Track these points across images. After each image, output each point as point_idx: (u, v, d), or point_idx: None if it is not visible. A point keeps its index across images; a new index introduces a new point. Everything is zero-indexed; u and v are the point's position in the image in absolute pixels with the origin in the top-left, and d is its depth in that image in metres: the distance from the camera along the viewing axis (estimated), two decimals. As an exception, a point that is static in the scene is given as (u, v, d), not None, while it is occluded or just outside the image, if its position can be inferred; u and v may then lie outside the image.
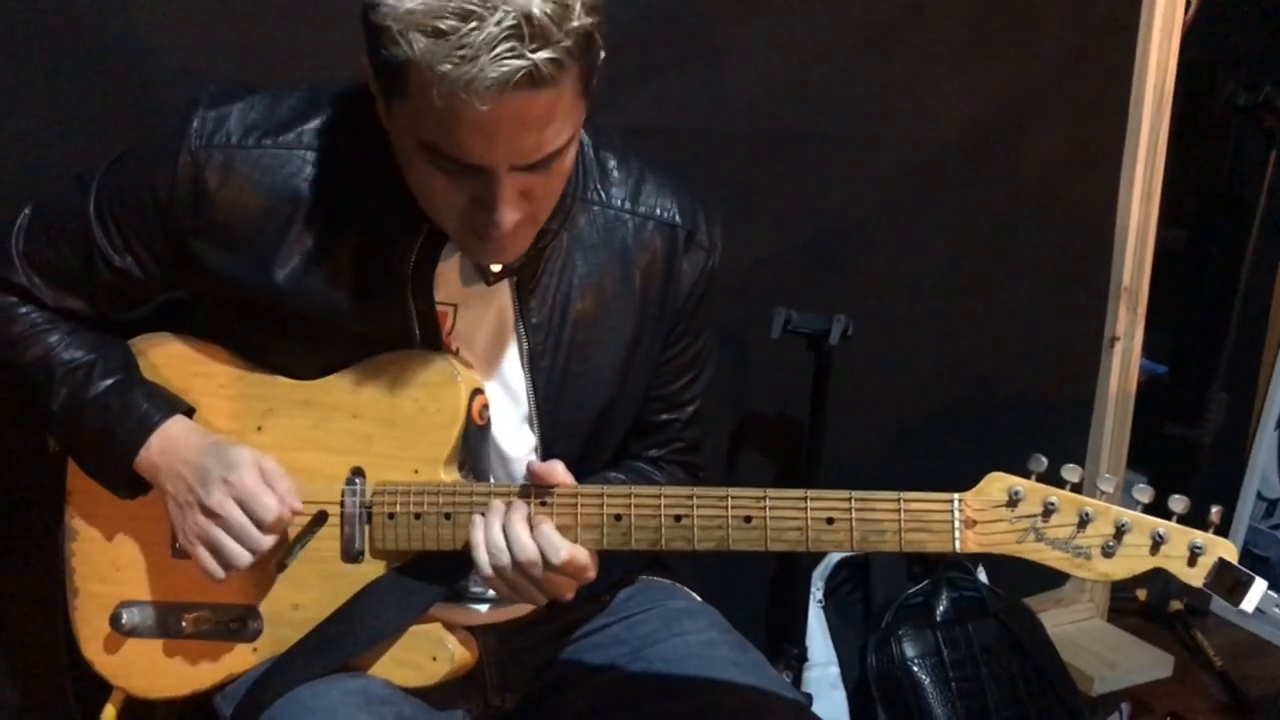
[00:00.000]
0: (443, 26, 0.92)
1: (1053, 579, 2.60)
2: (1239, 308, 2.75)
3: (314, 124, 1.19)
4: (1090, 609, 2.66)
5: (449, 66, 0.93)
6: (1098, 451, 2.56)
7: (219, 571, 1.18)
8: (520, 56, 0.93)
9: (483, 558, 1.13)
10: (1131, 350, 2.52)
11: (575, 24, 0.95)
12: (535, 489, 1.14)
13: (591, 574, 1.16)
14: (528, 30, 0.93)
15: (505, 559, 1.12)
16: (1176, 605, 2.75)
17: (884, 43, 2.06)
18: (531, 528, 1.12)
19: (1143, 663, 2.51)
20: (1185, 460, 2.74)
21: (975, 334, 2.35)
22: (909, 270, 2.23)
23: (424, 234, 1.17)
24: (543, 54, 0.94)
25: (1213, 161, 3.06)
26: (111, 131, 1.45)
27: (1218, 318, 2.86)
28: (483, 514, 1.14)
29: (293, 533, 1.21)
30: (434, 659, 1.20)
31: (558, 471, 1.14)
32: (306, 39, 1.56)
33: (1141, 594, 2.79)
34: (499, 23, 0.92)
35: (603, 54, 1.03)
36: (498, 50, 0.93)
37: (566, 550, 1.11)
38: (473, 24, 0.92)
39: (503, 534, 1.12)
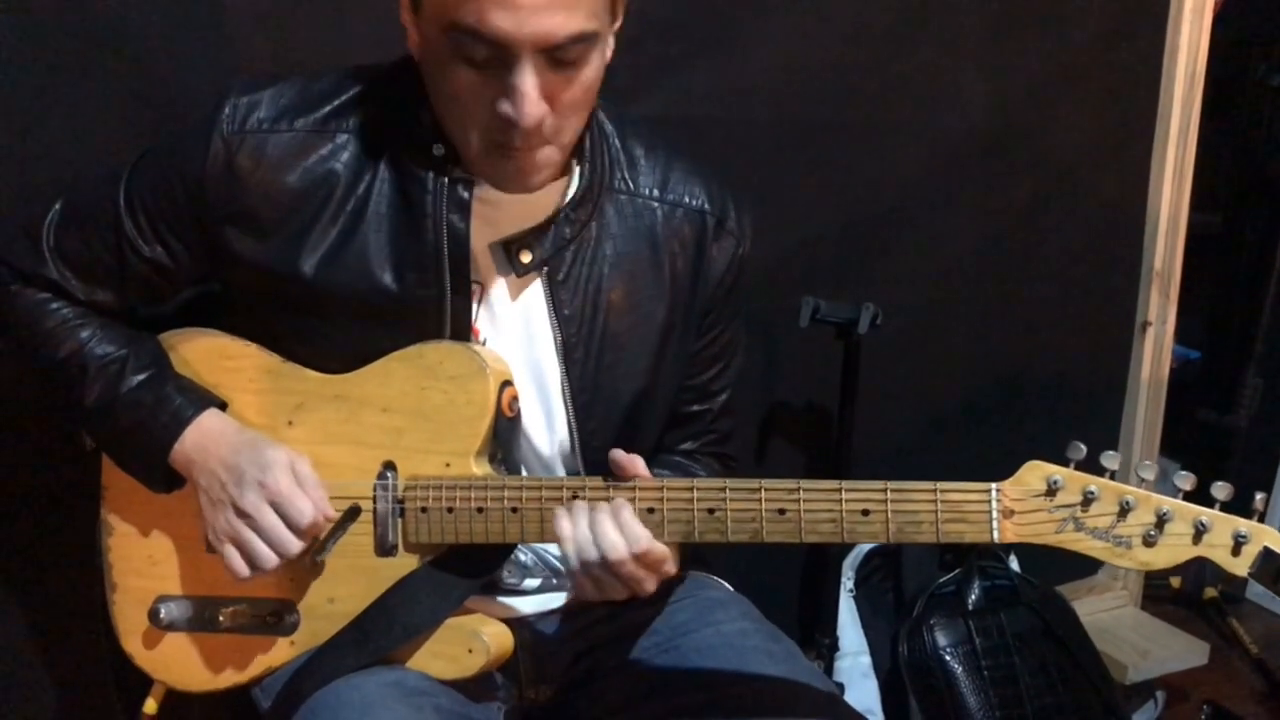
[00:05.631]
0: None
1: (1086, 567, 2.58)
2: (1274, 291, 2.72)
3: (344, 102, 1.19)
4: (1124, 597, 2.63)
5: None
6: (1130, 438, 2.53)
7: (245, 571, 1.18)
8: None
9: (570, 552, 1.13)
10: (1164, 335, 2.49)
11: None
12: (570, 481, 1.15)
13: (672, 568, 1.16)
14: None
15: (593, 554, 1.12)
16: (1211, 592, 2.72)
17: (912, 29, 2.04)
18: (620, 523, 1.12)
19: (1178, 651, 2.49)
20: (1220, 447, 2.71)
21: (1005, 321, 2.34)
22: (938, 258, 2.22)
23: (449, 184, 1.17)
24: None
25: (1245, 144, 3.02)
26: (145, 130, 1.45)
27: (1252, 302, 2.83)
28: (567, 510, 1.14)
29: (326, 527, 1.21)
30: (470, 651, 1.20)
31: (639, 464, 1.14)
32: (340, 36, 1.56)
33: (1176, 581, 2.76)
34: None
35: None
36: None
37: (646, 541, 1.12)
38: None
39: (590, 529, 1.12)
